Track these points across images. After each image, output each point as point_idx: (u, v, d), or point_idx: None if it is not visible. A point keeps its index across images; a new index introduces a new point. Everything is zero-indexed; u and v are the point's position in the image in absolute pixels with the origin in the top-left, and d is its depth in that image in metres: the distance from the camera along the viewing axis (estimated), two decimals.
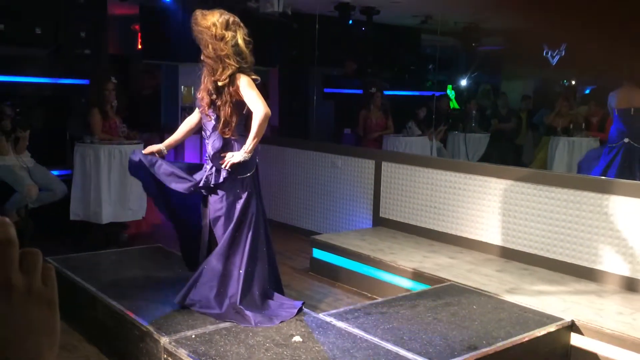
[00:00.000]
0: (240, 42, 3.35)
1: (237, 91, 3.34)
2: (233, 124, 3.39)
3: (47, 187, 5.47)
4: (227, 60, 3.32)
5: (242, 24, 3.41)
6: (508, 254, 4.63)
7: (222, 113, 3.40)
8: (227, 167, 3.39)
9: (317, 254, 5.04)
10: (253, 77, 3.41)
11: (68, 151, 6.24)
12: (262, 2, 6.70)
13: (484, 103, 8.92)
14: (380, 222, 5.58)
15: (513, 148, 8.91)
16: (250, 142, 3.35)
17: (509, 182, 4.64)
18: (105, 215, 5.51)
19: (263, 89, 9.97)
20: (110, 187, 5.54)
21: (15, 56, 6.40)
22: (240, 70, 3.35)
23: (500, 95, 9.36)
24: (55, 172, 5.77)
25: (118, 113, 5.93)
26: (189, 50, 6.92)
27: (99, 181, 5.48)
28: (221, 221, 3.47)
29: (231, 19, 3.37)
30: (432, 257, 4.61)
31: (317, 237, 5.20)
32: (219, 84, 3.35)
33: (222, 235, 3.48)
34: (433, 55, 9.27)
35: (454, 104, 8.73)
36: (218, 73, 3.35)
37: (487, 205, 4.78)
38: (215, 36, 3.31)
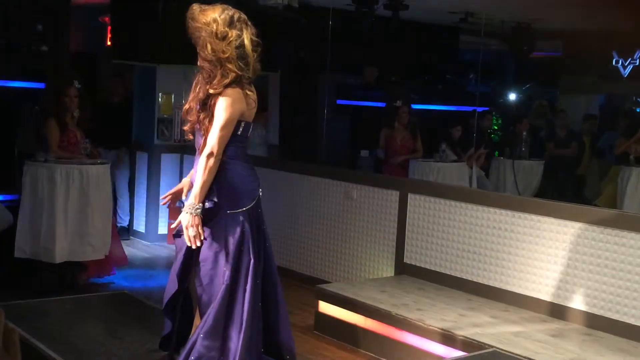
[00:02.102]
0: (247, 42, 3.38)
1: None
2: None
3: None
4: (228, 65, 3.35)
5: (249, 23, 3.45)
6: (567, 315, 4.59)
7: (204, 129, 3.43)
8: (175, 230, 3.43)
9: (324, 308, 5.01)
10: (248, 91, 3.43)
11: (16, 171, 6.28)
12: None
13: (538, 122, 8.95)
14: (404, 270, 5.55)
15: (573, 180, 8.91)
16: (195, 193, 3.35)
17: (569, 223, 4.62)
18: (59, 253, 5.51)
19: (260, 99, 9.99)
20: (67, 218, 5.55)
21: None
22: (237, 80, 3.37)
23: (558, 113, 9.39)
24: None
25: (80, 125, 5.99)
26: (170, 49, 7.05)
27: (53, 210, 5.50)
28: (207, 266, 3.45)
29: (236, 16, 3.41)
30: (470, 315, 4.58)
31: (325, 286, 5.17)
32: (211, 91, 3.38)
33: (204, 285, 3.45)
34: (474, 62, 9.34)
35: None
36: (216, 80, 3.37)
37: (540, 252, 4.76)
38: (217, 34, 3.34)
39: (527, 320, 4.56)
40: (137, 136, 7.86)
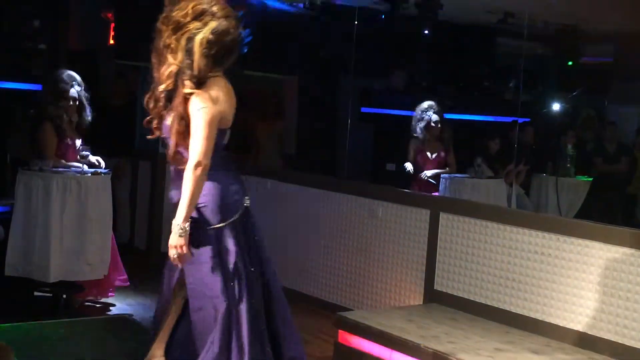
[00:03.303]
0: (198, 38, 3.49)
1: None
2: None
3: None
4: (167, 56, 3.53)
5: (227, 19, 3.55)
6: (618, 352, 4.54)
7: (172, 132, 3.53)
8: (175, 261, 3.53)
9: (345, 338, 5.00)
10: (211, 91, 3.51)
11: (8, 180, 6.35)
12: None
13: (585, 135, 8.92)
14: (434, 297, 5.55)
15: (624, 199, 8.84)
16: (182, 210, 3.43)
17: (621, 249, 4.58)
18: (53, 271, 5.54)
19: (274, 104, 10.04)
20: (63, 233, 5.60)
21: None
22: (176, 75, 3.51)
23: (608, 125, 9.34)
24: None
25: (78, 130, 6.05)
26: None
27: (48, 223, 5.54)
28: (197, 288, 3.53)
29: (212, 9, 3.54)
30: (508, 350, 4.55)
31: (346, 314, 5.17)
32: (160, 88, 3.56)
33: (195, 310, 3.52)
34: (514, 67, 9.32)
35: None
36: (163, 74, 3.56)
37: (588, 281, 4.73)
38: (173, 22, 3.54)
39: (573, 357, 4.52)
40: (140, 144, 7.91)
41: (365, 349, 4.86)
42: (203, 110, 3.44)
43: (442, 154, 7.72)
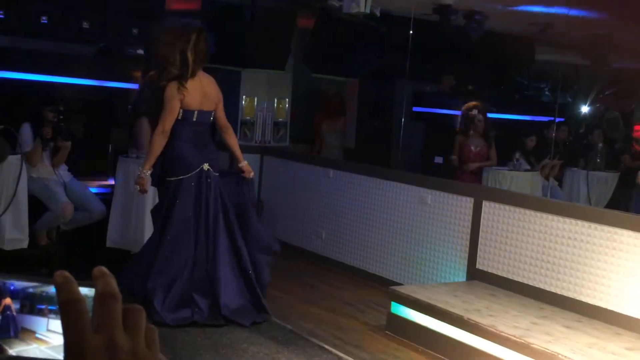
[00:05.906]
0: (189, 49, 4.52)
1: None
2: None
3: (84, 206, 5.67)
4: (165, 65, 4.51)
5: (199, 32, 4.56)
6: None
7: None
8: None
9: (397, 309, 4.98)
10: (190, 81, 4.60)
11: (110, 166, 6.48)
12: (346, 1, 6.80)
13: (612, 135, 8.68)
14: (476, 275, 5.47)
15: None
16: (145, 160, 4.61)
17: None
18: None
19: (337, 103, 9.97)
20: None
21: (57, 53, 6.75)
22: (175, 76, 4.54)
23: (635, 125, 9.06)
24: (93, 190, 5.99)
25: None
26: (254, 54, 7.13)
27: (143, 203, 5.63)
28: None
29: (188, 28, 4.56)
30: (543, 324, 4.46)
31: (398, 288, 5.15)
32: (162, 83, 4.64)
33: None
34: (552, 73, 9.10)
35: None
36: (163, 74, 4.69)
37: (616, 265, 4.59)
38: (166, 42, 4.58)
39: (601, 332, 4.41)
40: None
41: (414, 319, 4.83)
42: (165, 94, 4.46)
43: (485, 148, 7.60)
